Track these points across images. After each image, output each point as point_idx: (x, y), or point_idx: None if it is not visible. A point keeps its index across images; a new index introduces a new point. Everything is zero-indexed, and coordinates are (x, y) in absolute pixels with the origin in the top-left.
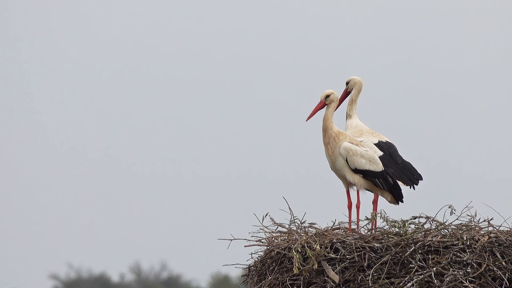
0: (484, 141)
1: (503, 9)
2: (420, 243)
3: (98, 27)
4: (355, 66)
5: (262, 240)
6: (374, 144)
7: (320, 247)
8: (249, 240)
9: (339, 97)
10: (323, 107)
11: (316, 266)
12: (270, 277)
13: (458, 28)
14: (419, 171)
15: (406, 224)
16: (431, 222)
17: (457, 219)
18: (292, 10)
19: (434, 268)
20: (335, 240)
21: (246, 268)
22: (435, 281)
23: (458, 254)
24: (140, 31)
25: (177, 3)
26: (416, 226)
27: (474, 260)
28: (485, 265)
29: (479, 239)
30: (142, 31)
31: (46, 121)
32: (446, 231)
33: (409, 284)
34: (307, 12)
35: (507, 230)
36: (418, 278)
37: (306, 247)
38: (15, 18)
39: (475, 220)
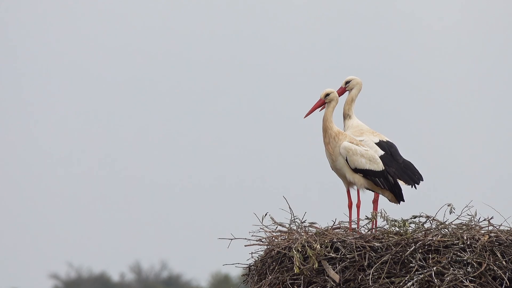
0: (484, 140)
1: (504, 8)
2: (420, 242)
3: (95, 32)
4: (351, 66)
5: (262, 240)
6: (375, 143)
7: (321, 247)
8: (250, 240)
9: (339, 97)
10: (322, 105)
11: (316, 266)
12: (270, 277)
13: (459, 27)
14: (419, 171)
15: (406, 223)
16: (431, 222)
17: (457, 218)
18: (289, 11)
19: (435, 268)
20: (335, 240)
21: (247, 267)
22: (436, 280)
23: (459, 253)
24: (139, 37)
25: (176, 7)
26: (416, 226)
27: (474, 259)
28: (485, 264)
29: (479, 239)
30: (141, 37)
31: (46, 121)
32: (446, 230)
33: (410, 284)
34: (304, 12)
35: (507, 230)
36: (419, 278)
37: (307, 246)
38: (13, 21)
39: (475, 220)
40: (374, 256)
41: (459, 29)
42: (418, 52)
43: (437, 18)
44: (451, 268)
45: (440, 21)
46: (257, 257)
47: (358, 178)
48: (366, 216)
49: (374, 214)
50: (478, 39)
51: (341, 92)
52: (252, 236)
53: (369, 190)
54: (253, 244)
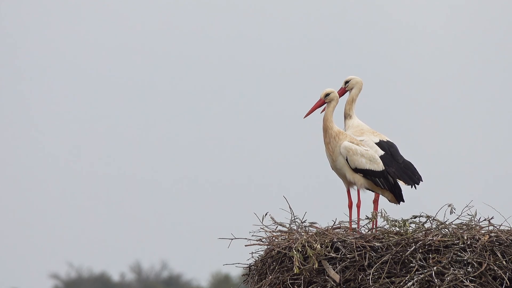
0: (484, 140)
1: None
2: (420, 242)
3: (95, 31)
4: (352, 66)
5: (262, 240)
6: (375, 143)
7: (321, 247)
8: (250, 240)
9: (340, 98)
10: (322, 105)
11: (316, 266)
12: (270, 277)
13: (459, 26)
14: (419, 171)
15: (407, 223)
16: (431, 222)
17: (457, 218)
18: (290, 10)
19: (435, 268)
20: (335, 240)
21: (247, 267)
22: (436, 280)
23: (459, 253)
24: (139, 37)
25: (175, 8)
26: (416, 226)
27: (474, 259)
28: (485, 264)
29: (479, 238)
30: (141, 37)
31: (46, 121)
32: (446, 230)
33: (410, 284)
34: (303, 12)
35: (507, 229)
36: (419, 278)
37: (307, 246)
38: (13, 21)
39: (475, 219)
40: (374, 256)
41: (459, 30)
42: (418, 52)
43: (438, 20)
44: (452, 268)
45: (440, 22)
46: (257, 257)
47: (358, 178)
48: (366, 216)
49: (374, 214)
50: (477, 39)
51: (341, 92)
52: (252, 236)
53: (369, 190)
54: (254, 244)
